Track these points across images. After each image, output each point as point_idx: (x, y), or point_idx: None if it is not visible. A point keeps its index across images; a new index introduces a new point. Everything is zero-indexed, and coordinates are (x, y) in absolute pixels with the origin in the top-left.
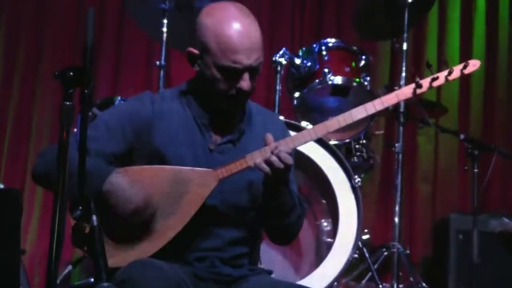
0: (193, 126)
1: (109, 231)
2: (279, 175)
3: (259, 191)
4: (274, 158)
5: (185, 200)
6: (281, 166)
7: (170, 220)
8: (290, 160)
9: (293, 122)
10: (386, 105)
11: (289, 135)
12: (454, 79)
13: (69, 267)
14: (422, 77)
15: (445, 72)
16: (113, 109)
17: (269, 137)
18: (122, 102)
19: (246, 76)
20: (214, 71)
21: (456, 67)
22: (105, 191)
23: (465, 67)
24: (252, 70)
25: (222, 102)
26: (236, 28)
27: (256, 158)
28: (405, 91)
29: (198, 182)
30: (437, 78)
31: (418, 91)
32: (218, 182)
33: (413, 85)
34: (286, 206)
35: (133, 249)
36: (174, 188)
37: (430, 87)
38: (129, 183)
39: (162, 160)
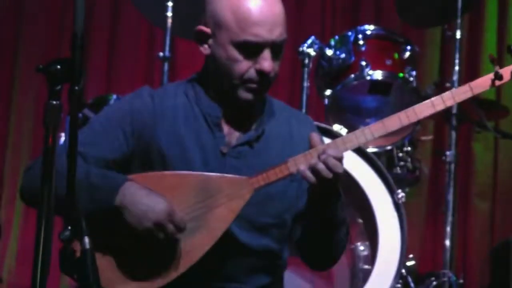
0: (202, 125)
1: (115, 254)
2: (326, 185)
3: (284, 204)
4: (321, 166)
5: (214, 214)
6: (329, 175)
7: (195, 239)
8: (340, 168)
9: (323, 125)
10: (457, 100)
11: (322, 140)
12: None
13: None
14: (479, 71)
15: None
16: (109, 109)
17: (315, 137)
18: (117, 100)
19: (267, 54)
20: (230, 50)
21: None
22: (118, 205)
23: None
24: (274, 48)
25: (238, 89)
26: (255, 0)
27: (300, 163)
28: (482, 83)
29: (229, 192)
30: None
31: (497, 82)
32: (253, 192)
33: (491, 76)
34: (336, 220)
35: (148, 276)
36: (201, 199)
37: None
38: (145, 193)
39: (167, 166)
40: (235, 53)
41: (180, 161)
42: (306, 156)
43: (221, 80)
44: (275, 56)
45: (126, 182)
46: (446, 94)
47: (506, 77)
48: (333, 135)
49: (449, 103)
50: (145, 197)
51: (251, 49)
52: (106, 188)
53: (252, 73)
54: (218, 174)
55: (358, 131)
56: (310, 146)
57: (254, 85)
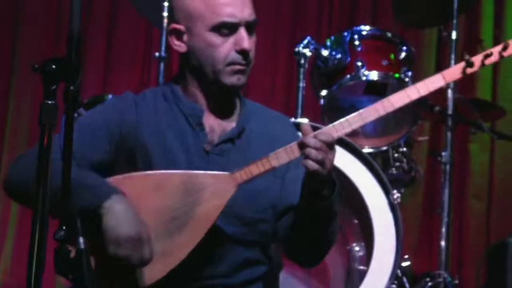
0: (184, 124)
1: (102, 253)
2: (322, 171)
3: (269, 200)
4: (313, 152)
5: (199, 212)
6: (318, 157)
7: (180, 237)
8: (332, 155)
9: (318, 125)
10: (431, 88)
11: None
12: (510, 56)
13: None
14: (474, 72)
15: (499, 47)
16: (95, 111)
17: (306, 127)
18: (103, 103)
19: (243, 33)
20: (208, 36)
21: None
22: (100, 214)
23: None
24: (248, 28)
25: (222, 75)
26: None
27: (282, 157)
28: (453, 71)
29: (213, 189)
30: (490, 54)
31: (469, 70)
32: (237, 188)
33: (462, 64)
34: (331, 212)
35: (135, 275)
36: (185, 197)
37: (482, 65)
38: (126, 216)
39: (152, 167)
40: (214, 38)
41: (164, 162)
42: (287, 149)
43: (204, 71)
44: (249, 35)
45: (113, 196)
46: (420, 84)
47: (477, 65)
48: None
49: (423, 91)
50: (123, 221)
51: (228, 30)
52: (94, 194)
53: (233, 55)
54: (201, 171)
55: (337, 123)
56: (303, 133)
57: (237, 67)
